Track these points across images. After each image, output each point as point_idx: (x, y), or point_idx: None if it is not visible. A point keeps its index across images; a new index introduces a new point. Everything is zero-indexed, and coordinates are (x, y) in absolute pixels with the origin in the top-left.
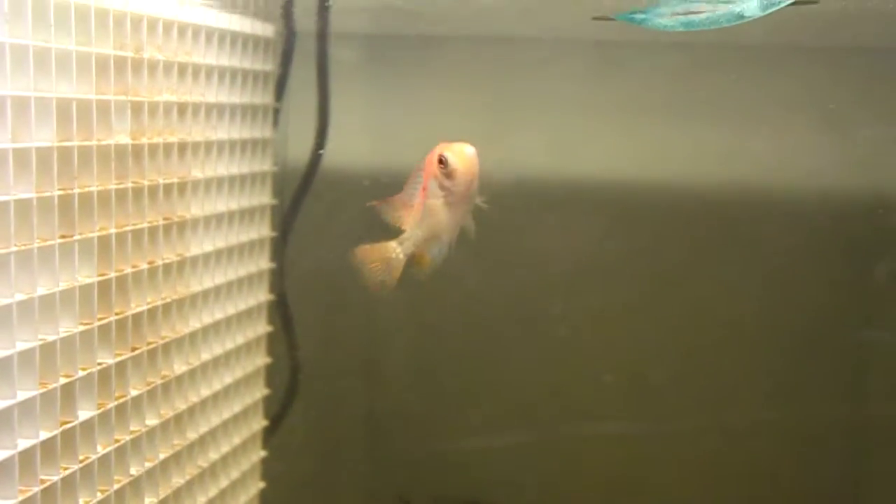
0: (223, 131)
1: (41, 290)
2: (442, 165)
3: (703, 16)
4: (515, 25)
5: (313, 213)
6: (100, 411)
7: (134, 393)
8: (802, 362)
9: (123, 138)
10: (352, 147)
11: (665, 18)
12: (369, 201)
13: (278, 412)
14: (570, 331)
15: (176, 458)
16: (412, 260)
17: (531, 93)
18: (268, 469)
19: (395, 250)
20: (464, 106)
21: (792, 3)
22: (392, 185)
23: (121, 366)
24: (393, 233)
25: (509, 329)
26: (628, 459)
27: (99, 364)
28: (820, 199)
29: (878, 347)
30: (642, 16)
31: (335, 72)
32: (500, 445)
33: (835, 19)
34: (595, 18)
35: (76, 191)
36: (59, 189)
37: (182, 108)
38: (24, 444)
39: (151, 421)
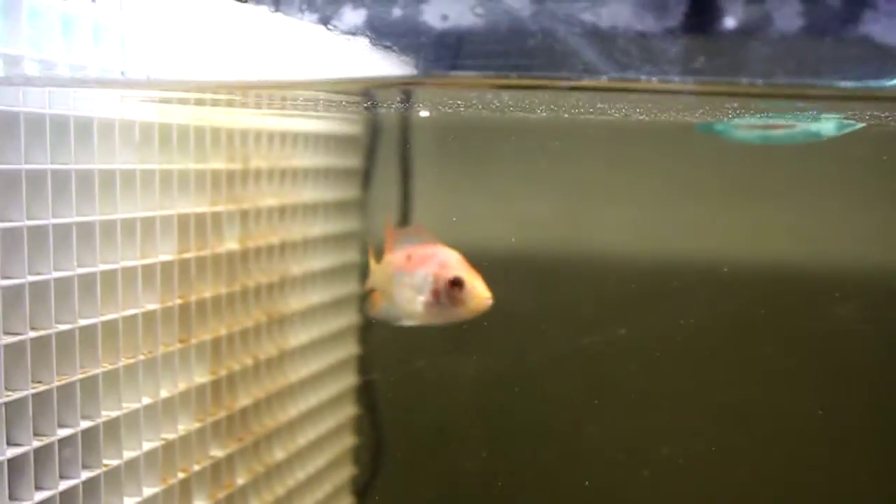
0: (318, 227)
1: (163, 394)
2: (454, 288)
3: (781, 132)
4: (592, 122)
5: None
6: (212, 503)
7: (240, 482)
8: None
9: (233, 244)
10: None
11: (743, 131)
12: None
13: (363, 490)
14: (644, 411)
15: None
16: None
17: (608, 178)
18: None
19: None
20: (545, 196)
21: (865, 126)
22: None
23: (230, 458)
24: None
25: (595, 416)
26: None
27: (211, 458)
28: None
29: None
30: (721, 127)
31: (418, 162)
32: None
33: None
34: None
35: (193, 298)
36: (179, 298)
37: (282, 210)
38: None
39: None
